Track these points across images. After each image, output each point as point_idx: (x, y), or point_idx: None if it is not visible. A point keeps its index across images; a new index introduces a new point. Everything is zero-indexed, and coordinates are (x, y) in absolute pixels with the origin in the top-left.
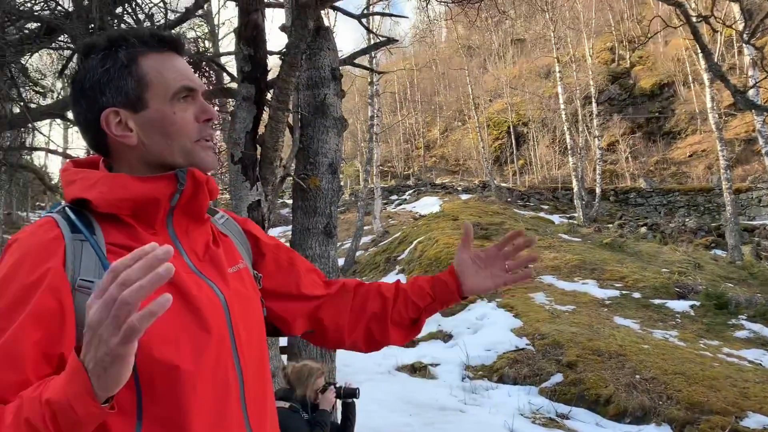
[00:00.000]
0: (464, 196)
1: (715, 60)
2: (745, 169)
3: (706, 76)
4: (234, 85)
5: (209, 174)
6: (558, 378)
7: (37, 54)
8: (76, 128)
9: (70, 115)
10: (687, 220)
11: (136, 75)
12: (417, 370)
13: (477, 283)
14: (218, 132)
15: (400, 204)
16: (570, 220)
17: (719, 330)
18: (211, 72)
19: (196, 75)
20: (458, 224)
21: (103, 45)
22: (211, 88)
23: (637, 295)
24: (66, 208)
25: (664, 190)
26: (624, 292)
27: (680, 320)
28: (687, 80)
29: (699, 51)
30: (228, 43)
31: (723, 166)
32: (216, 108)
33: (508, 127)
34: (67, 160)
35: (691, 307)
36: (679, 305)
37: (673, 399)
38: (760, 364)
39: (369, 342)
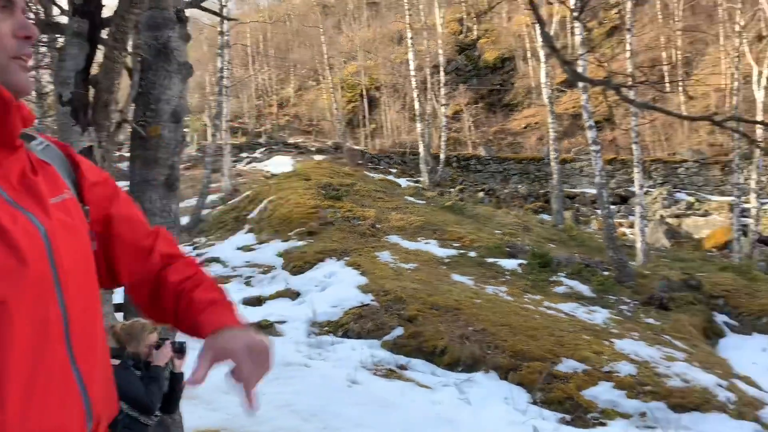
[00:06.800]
0: (317, 157)
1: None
2: (571, 141)
3: (542, 53)
4: (64, 20)
5: (21, 99)
6: (399, 332)
7: None
8: None
9: None
10: (519, 186)
11: None
12: (263, 328)
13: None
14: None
15: (250, 162)
16: (416, 184)
17: (542, 286)
18: (38, 4)
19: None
20: (310, 184)
21: None
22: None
23: (473, 254)
24: None
25: (500, 158)
26: (462, 251)
27: (509, 277)
28: (526, 56)
29: (535, 22)
30: None
31: (552, 137)
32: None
33: (362, 91)
34: None
35: (519, 265)
36: (509, 263)
37: (499, 348)
38: (574, 316)
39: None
